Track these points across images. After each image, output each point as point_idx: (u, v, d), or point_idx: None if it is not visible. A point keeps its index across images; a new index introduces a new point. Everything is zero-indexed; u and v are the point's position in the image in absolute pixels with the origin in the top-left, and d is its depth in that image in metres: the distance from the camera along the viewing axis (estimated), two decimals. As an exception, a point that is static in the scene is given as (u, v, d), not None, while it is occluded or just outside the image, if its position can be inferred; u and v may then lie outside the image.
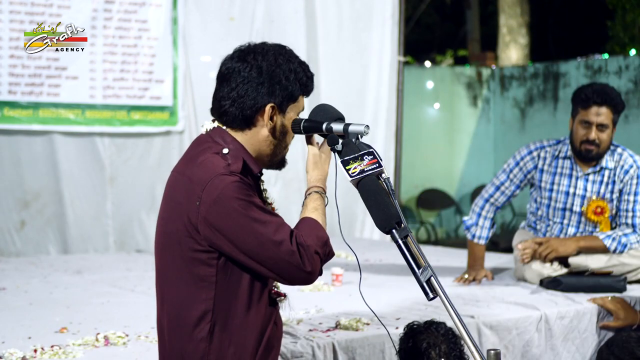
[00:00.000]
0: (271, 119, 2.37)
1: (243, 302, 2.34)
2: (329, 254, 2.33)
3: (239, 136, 2.40)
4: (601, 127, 4.30)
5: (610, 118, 4.30)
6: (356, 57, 7.26)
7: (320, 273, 2.32)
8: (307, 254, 2.25)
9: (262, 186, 2.47)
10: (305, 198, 2.41)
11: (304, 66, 2.40)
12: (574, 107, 4.40)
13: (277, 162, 2.46)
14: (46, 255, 5.95)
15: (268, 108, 2.36)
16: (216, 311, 2.33)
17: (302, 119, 2.41)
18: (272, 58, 2.36)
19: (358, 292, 2.42)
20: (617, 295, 4.07)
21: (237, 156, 2.35)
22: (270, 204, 2.49)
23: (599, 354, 3.83)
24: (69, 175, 6.07)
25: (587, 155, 4.33)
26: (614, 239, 4.30)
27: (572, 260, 4.30)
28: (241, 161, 2.34)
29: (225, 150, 2.34)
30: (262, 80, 2.35)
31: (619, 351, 3.66)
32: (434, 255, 5.42)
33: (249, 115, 2.37)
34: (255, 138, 2.39)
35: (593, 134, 4.29)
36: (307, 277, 2.28)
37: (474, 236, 4.55)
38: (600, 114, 4.29)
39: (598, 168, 4.39)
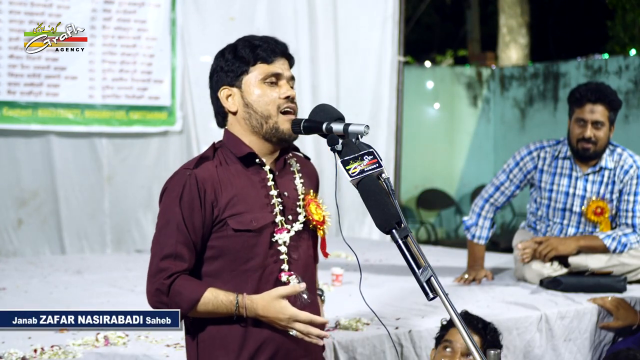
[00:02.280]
0: (229, 99, 2.49)
1: (222, 287, 2.38)
2: (163, 304, 2.37)
3: (231, 128, 2.52)
4: (596, 124, 4.29)
5: (605, 115, 4.30)
6: (356, 57, 7.26)
7: (154, 305, 2.39)
8: (149, 289, 2.39)
9: (267, 172, 2.47)
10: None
11: (248, 41, 2.49)
12: (569, 107, 4.41)
13: (271, 135, 2.46)
14: (43, 254, 5.96)
15: (220, 92, 2.51)
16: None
17: (302, 119, 2.41)
18: (218, 53, 2.54)
19: (358, 292, 2.42)
20: (617, 295, 4.07)
21: (217, 147, 2.50)
22: (297, 193, 2.52)
23: None
24: (66, 173, 6.08)
25: (584, 153, 4.33)
26: (614, 238, 4.30)
27: (572, 260, 4.30)
28: (206, 154, 2.47)
29: (210, 149, 2.50)
30: (210, 76, 2.56)
31: None
32: (434, 255, 5.42)
33: (218, 109, 2.54)
34: (235, 123, 2.50)
35: (589, 132, 4.28)
36: (146, 293, 2.42)
37: (473, 236, 4.55)
38: (595, 111, 4.29)
39: (598, 168, 4.39)
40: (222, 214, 2.39)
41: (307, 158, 2.66)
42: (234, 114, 2.48)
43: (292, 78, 2.50)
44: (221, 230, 2.39)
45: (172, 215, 2.37)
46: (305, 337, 2.36)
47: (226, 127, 2.53)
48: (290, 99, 2.46)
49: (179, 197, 2.38)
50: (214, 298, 2.34)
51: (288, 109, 2.45)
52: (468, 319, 3.21)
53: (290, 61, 2.53)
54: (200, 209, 2.37)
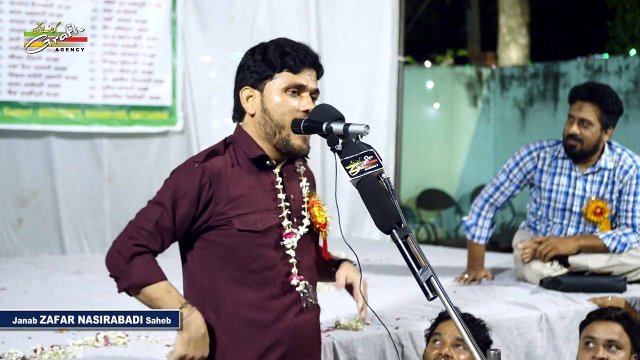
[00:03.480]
0: (249, 100, 2.46)
1: (227, 285, 2.41)
2: (115, 269, 2.43)
3: (245, 127, 2.50)
4: (583, 122, 4.27)
5: (595, 116, 4.26)
6: (356, 57, 7.26)
7: (107, 265, 2.44)
8: (112, 249, 2.44)
9: (276, 175, 2.48)
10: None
11: (279, 45, 2.45)
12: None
13: (282, 146, 2.45)
14: (43, 254, 5.97)
15: (242, 91, 2.47)
16: (207, 296, 2.44)
17: (302, 119, 2.41)
18: (251, 50, 2.49)
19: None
20: (617, 295, 4.07)
21: (228, 143, 2.48)
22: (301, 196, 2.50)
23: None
24: (66, 173, 6.08)
25: (570, 150, 4.32)
26: (613, 238, 4.30)
27: (572, 260, 4.30)
28: (217, 148, 2.46)
29: (221, 144, 2.49)
30: (238, 70, 2.50)
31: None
32: (434, 255, 5.42)
33: (238, 106, 2.51)
34: (250, 124, 2.48)
35: (574, 128, 4.27)
36: (108, 250, 2.46)
37: (473, 236, 4.55)
38: (583, 109, 4.27)
39: (597, 168, 4.38)
40: (226, 212, 2.40)
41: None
42: (252, 115, 2.47)
43: (316, 91, 2.46)
44: (225, 228, 2.40)
45: (165, 201, 2.40)
46: None
47: (240, 124, 2.52)
48: (308, 112, 2.42)
49: (176, 187, 2.40)
50: (166, 291, 2.38)
51: None
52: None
53: (319, 72, 2.49)
54: (196, 202, 2.39)
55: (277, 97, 2.43)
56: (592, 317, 3.33)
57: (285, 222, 2.45)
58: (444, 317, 3.17)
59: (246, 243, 2.40)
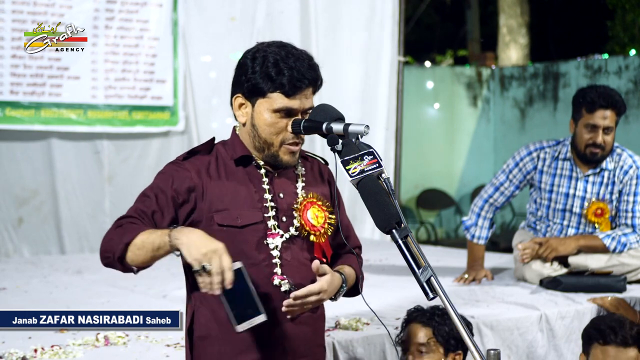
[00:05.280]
0: (241, 109, 2.44)
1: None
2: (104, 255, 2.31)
3: (239, 131, 2.50)
4: (607, 130, 4.30)
5: (614, 121, 4.32)
6: (356, 57, 7.26)
7: (110, 259, 2.30)
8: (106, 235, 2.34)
9: (263, 175, 2.46)
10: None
11: (279, 61, 2.38)
12: (576, 110, 4.38)
13: (270, 160, 2.44)
14: (43, 253, 5.97)
15: (235, 98, 2.45)
16: (193, 287, 2.39)
17: (302, 119, 2.41)
18: (252, 53, 2.43)
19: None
20: (617, 295, 4.07)
21: (216, 143, 2.51)
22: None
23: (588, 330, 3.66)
24: (67, 173, 6.09)
25: (592, 158, 4.33)
26: (613, 238, 4.30)
27: (572, 260, 4.30)
28: (200, 148, 2.49)
29: (207, 143, 2.52)
30: (235, 73, 2.45)
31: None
32: (434, 255, 5.42)
33: (232, 109, 2.49)
34: (243, 131, 2.48)
35: (600, 138, 4.29)
36: None
37: (473, 236, 4.55)
38: (606, 117, 4.30)
39: (598, 169, 4.39)
40: (209, 207, 2.40)
41: (325, 162, 2.61)
42: (243, 125, 2.46)
43: (310, 108, 2.41)
44: (208, 223, 2.40)
45: (148, 193, 2.42)
46: (215, 278, 2.17)
47: (236, 128, 2.51)
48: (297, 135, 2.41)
49: (157, 184, 2.44)
50: (150, 232, 2.26)
51: (293, 143, 2.41)
52: (415, 315, 3.20)
53: (316, 86, 2.44)
54: (175, 197, 2.40)
55: (267, 116, 2.39)
56: (608, 340, 3.15)
57: (271, 222, 2.42)
58: (408, 321, 3.17)
59: (227, 238, 2.35)
